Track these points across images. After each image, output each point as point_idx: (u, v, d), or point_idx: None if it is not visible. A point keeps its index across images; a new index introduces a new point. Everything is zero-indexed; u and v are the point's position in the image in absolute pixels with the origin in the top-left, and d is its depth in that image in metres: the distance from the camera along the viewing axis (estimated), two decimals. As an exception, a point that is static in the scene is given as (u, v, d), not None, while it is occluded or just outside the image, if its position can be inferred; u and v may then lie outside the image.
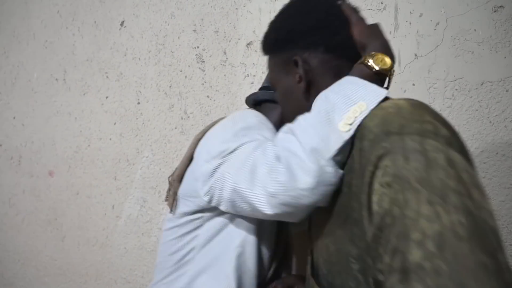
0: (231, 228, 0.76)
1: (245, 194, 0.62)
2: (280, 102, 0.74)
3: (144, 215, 1.55)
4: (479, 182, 0.45)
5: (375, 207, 0.47)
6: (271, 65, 0.74)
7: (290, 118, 0.67)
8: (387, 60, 0.61)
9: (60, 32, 1.70)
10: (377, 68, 0.60)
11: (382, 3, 1.14)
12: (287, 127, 0.63)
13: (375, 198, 0.47)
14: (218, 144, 0.70)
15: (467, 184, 0.44)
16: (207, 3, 1.39)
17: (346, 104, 0.56)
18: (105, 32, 1.59)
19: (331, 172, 0.55)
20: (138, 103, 1.53)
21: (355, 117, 0.54)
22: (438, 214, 0.42)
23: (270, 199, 0.59)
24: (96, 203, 1.65)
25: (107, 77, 1.60)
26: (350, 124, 0.54)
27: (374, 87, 0.56)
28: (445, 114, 1.09)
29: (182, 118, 1.46)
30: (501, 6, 1.03)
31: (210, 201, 0.71)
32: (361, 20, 0.67)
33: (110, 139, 1.60)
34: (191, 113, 1.45)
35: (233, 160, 0.66)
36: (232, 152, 0.67)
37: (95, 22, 1.62)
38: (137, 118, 1.54)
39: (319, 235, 0.63)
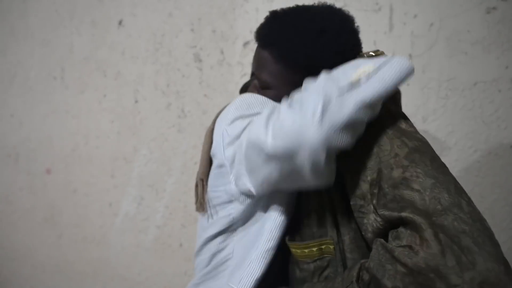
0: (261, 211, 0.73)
1: (257, 136, 0.59)
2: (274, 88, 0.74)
3: (141, 213, 1.56)
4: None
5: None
6: (268, 61, 0.74)
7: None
8: None
9: (58, 30, 1.71)
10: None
11: (377, 4, 1.16)
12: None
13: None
14: (236, 125, 0.69)
15: (429, 147, 0.63)
16: (204, 3, 1.40)
17: (352, 69, 0.59)
18: (103, 31, 1.60)
19: (338, 104, 0.53)
20: (136, 102, 1.54)
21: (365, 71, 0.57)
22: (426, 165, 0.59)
23: (276, 133, 0.57)
24: (93, 201, 1.66)
25: (104, 75, 1.60)
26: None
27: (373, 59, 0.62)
28: (439, 113, 1.11)
29: (179, 117, 1.47)
30: (494, 7, 1.05)
31: (232, 170, 0.68)
32: None
33: (108, 137, 1.61)
34: (188, 111, 1.46)
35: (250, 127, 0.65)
36: (248, 125, 0.66)
37: (93, 21, 1.62)
38: (134, 117, 1.55)
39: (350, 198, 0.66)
